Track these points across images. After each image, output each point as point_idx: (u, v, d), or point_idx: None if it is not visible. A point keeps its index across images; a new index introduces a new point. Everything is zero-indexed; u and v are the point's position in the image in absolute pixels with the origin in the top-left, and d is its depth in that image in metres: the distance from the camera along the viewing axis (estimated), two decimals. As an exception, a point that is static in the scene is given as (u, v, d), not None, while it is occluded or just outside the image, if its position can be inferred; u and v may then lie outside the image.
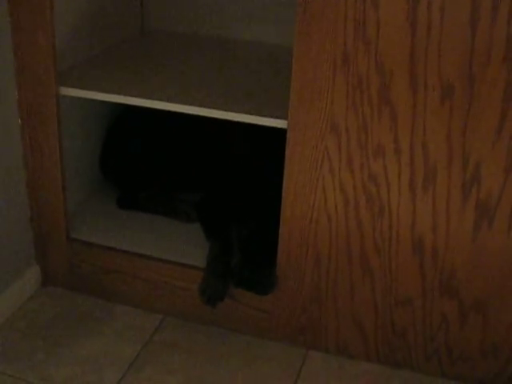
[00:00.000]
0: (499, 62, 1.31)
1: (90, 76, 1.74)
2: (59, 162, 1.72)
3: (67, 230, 1.83)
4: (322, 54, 1.40)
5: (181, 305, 1.80)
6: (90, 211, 1.99)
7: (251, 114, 1.55)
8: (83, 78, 1.72)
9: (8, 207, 1.72)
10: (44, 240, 1.85)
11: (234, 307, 1.75)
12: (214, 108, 1.58)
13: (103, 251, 1.82)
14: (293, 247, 1.62)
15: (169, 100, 1.61)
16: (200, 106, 1.59)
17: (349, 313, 1.66)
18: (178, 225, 1.95)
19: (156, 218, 1.97)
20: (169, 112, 1.62)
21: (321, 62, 1.40)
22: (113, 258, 1.81)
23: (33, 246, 1.85)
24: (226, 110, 1.57)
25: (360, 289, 1.62)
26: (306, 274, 1.64)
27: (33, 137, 1.71)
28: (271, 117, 1.53)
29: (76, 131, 1.89)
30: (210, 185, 2.01)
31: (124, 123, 2.04)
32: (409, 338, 1.64)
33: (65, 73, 1.72)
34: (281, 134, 1.53)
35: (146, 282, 1.80)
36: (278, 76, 1.78)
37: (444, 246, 1.51)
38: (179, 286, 1.77)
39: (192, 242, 1.86)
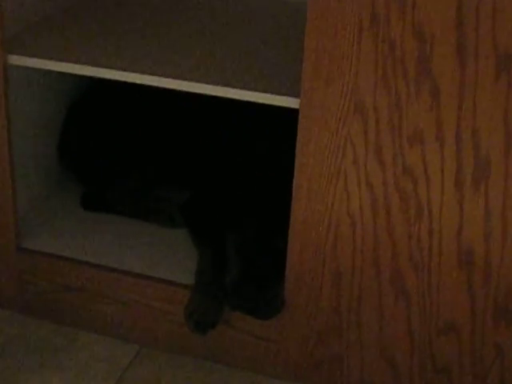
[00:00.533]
0: None
1: (44, 42, 1.73)
2: (7, 151, 1.72)
3: (17, 237, 1.83)
4: (344, 13, 1.39)
5: (161, 332, 1.80)
6: (47, 213, 1.99)
7: (251, 90, 1.55)
8: (36, 44, 1.72)
9: None
10: (-13, 250, 1.85)
11: (229, 335, 1.75)
12: (202, 82, 1.58)
13: (63, 264, 1.82)
14: (305, 260, 1.62)
15: (145, 72, 1.61)
16: (181, 78, 1.59)
17: (377, 344, 1.66)
18: (158, 230, 1.95)
19: (130, 221, 1.98)
20: (145, 87, 1.62)
21: (342, 23, 1.40)
22: (75, 273, 1.82)
23: (-29, 259, 1.85)
24: (216, 85, 1.57)
25: (391, 313, 1.62)
26: (323, 295, 1.64)
27: (-28, 118, 1.71)
28: (278, 94, 1.53)
29: (29, 111, 1.89)
30: (199, 179, 2.01)
31: (89, 101, 2.05)
32: (453, 377, 1.64)
33: (13, 38, 1.72)
34: (291, 115, 1.53)
35: (117, 303, 1.81)
36: (286, 41, 1.78)
37: (499, 257, 1.51)
38: (159, 308, 1.77)
39: (176, 252, 1.87)
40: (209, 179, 1.99)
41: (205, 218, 1.94)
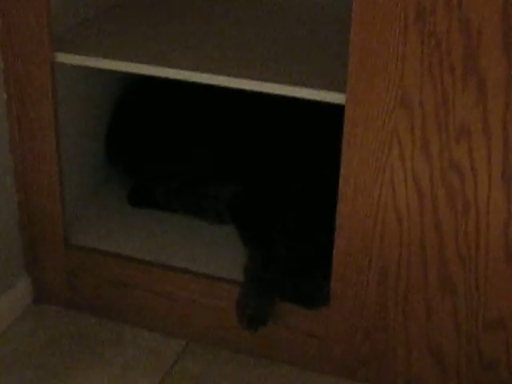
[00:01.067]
0: None
1: (92, 40, 1.75)
2: (55, 149, 1.73)
3: (65, 234, 1.84)
4: (389, 8, 1.39)
5: (208, 327, 1.81)
6: (94, 210, 2.01)
7: (297, 86, 1.55)
8: (84, 42, 1.73)
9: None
10: (36, 247, 1.87)
11: (275, 331, 1.75)
12: (246, 78, 1.58)
13: (110, 260, 1.84)
14: (352, 256, 1.62)
15: (192, 69, 1.61)
16: (228, 75, 1.59)
17: (424, 340, 1.65)
18: (205, 227, 1.95)
19: (177, 217, 1.98)
20: (191, 85, 1.63)
21: (389, 17, 1.40)
22: (122, 269, 1.83)
23: (22, 255, 1.87)
24: (262, 81, 1.57)
25: (438, 309, 1.61)
26: (369, 291, 1.64)
27: (22, 116, 1.73)
28: (324, 89, 1.53)
29: (76, 109, 1.90)
30: (245, 176, 2.01)
31: (135, 98, 2.06)
32: (502, 372, 1.63)
33: (61, 36, 1.73)
34: (336, 112, 1.53)
35: (164, 299, 1.82)
36: (331, 36, 1.78)
37: (547, 253, 1.50)
38: (205, 304, 1.78)
39: (222, 247, 1.88)
40: (255, 175, 1.98)
41: (253, 214, 1.93)
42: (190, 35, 1.79)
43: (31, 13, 1.61)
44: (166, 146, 1.99)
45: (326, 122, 1.60)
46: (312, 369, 1.76)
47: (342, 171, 1.55)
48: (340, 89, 1.50)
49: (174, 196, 2.00)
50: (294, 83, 1.55)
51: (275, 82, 1.56)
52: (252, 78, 1.58)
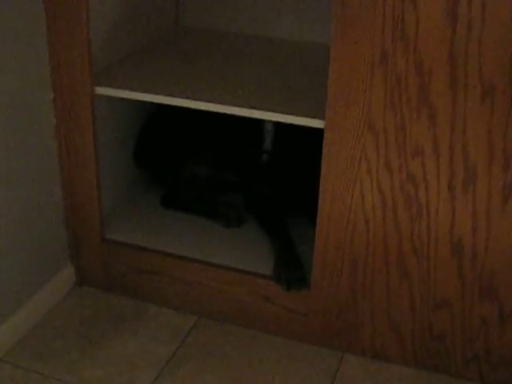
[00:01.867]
0: (543, 61, 1.29)
1: (125, 75, 1.74)
2: (94, 162, 1.73)
3: (102, 230, 1.84)
4: (360, 53, 1.39)
5: (215, 306, 1.80)
6: (125, 211, 2.00)
7: (288, 114, 1.55)
8: (118, 77, 1.73)
9: (42, 208, 1.74)
10: (78, 241, 1.86)
11: (269, 309, 1.75)
12: (251, 108, 1.58)
13: (138, 252, 1.83)
14: (329, 250, 1.61)
15: (205, 100, 1.61)
16: (238, 106, 1.59)
17: (385, 316, 1.65)
18: (214, 226, 1.94)
19: (191, 218, 1.96)
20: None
21: (358, 61, 1.40)
22: (147, 259, 1.82)
23: (67, 247, 1.87)
24: (263, 110, 1.57)
25: (397, 292, 1.61)
26: (343, 277, 1.63)
27: (67, 136, 1.72)
28: (308, 117, 1.53)
29: (111, 129, 1.90)
30: (252, 184, 2.01)
31: (160, 116, 2.03)
32: (447, 342, 1.63)
33: (100, 72, 1.72)
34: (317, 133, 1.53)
35: (180, 283, 1.81)
36: (313, 75, 1.77)
37: (484, 248, 1.49)
38: (214, 288, 1.78)
39: (231, 243, 1.87)
40: (260, 183, 1.98)
41: (266, 212, 1.96)
42: (204, 71, 1.79)
43: (76, 54, 1.61)
44: (184, 159, 1.98)
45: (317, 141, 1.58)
46: (297, 339, 1.75)
47: (321, 182, 1.54)
48: (320, 116, 1.50)
49: (197, 201, 2.00)
50: (288, 113, 1.55)
51: (274, 111, 1.56)
52: (254, 107, 1.57)
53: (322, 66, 1.44)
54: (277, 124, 1.85)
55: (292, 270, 1.72)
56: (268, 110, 1.56)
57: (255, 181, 2.00)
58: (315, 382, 1.63)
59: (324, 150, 1.51)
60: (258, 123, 1.87)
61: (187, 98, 1.62)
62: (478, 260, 1.51)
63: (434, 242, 1.52)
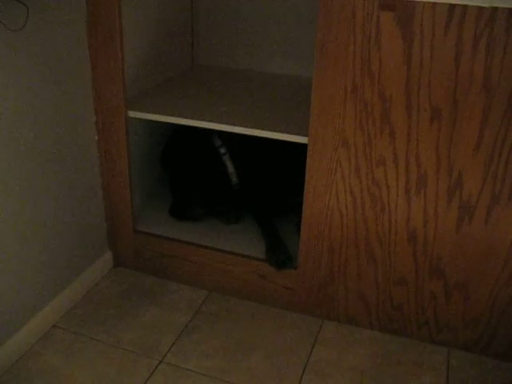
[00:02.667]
0: (478, 90, 1.29)
1: (151, 102, 1.74)
2: (127, 170, 1.73)
3: (133, 223, 1.84)
4: (336, 84, 1.39)
5: (222, 283, 1.80)
6: (151, 208, 1.98)
7: (280, 132, 1.55)
8: (146, 104, 1.73)
9: (88, 206, 1.74)
10: (115, 231, 1.86)
11: (264, 285, 1.74)
12: (251, 127, 1.58)
13: (161, 240, 1.82)
14: (311, 239, 1.61)
15: (215, 121, 1.61)
16: (240, 125, 1.59)
17: (356, 290, 1.65)
18: (220, 224, 1.93)
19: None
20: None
21: (334, 90, 1.40)
22: (169, 246, 1.81)
23: (107, 237, 1.86)
24: (259, 129, 1.57)
25: (365, 271, 1.61)
26: (322, 260, 1.63)
27: (106, 150, 1.72)
28: (295, 134, 1.53)
29: (141, 144, 1.90)
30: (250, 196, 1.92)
31: (181, 133, 1.96)
32: (404, 311, 1.62)
33: (132, 99, 1.73)
34: (301, 148, 1.52)
35: (195, 264, 1.80)
36: (300, 101, 1.77)
37: (433, 237, 1.50)
38: (221, 268, 1.77)
39: (231, 233, 1.86)
40: (255, 195, 1.92)
41: (262, 211, 1.92)
42: (213, 100, 1.79)
43: (113, 86, 1.62)
44: (193, 173, 1.89)
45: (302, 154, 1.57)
46: (286, 308, 1.75)
47: (306, 185, 1.55)
48: (304, 134, 1.50)
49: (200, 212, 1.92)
50: (279, 131, 1.55)
51: (269, 130, 1.56)
52: (254, 127, 1.58)
53: (306, 94, 1.44)
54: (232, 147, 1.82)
55: (278, 253, 1.71)
56: (264, 129, 1.56)
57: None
58: (301, 342, 1.63)
59: (308, 161, 1.51)
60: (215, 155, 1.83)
61: (199, 119, 1.62)
62: (428, 246, 1.51)
63: (394, 233, 1.52)
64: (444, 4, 1.24)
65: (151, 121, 1.70)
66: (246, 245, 1.79)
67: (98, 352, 1.57)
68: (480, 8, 1.21)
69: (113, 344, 1.59)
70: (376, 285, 1.61)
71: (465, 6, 1.22)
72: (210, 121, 1.61)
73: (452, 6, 1.23)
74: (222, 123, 1.60)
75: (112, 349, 1.58)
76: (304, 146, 1.51)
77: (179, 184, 1.91)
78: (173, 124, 1.68)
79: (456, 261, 1.50)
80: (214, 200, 1.88)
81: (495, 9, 1.21)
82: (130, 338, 1.62)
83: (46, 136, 1.51)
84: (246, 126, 1.58)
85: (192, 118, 1.62)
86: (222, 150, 1.84)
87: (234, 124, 1.59)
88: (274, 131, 1.55)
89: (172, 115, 1.64)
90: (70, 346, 1.58)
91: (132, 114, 1.67)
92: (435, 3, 1.24)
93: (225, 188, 1.86)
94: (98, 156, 1.73)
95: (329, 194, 1.53)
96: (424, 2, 1.25)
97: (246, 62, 2.12)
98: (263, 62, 2.10)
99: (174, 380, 1.50)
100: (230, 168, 1.85)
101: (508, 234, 1.43)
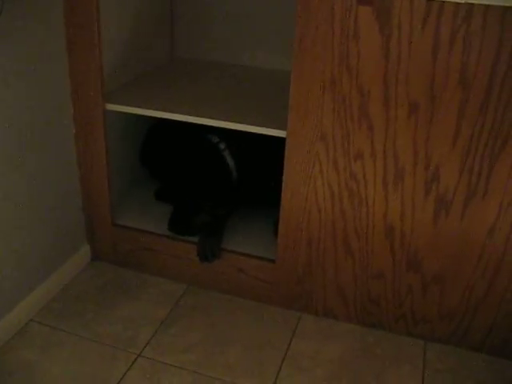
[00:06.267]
0: (455, 85, 1.30)
1: (130, 95, 1.73)
2: (105, 163, 1.72)
3: (112, 217, 1.82)
4: (314, 78, 1.39)
5: (201, 276, 1.79)
6: (130, 201, 1.97)
7: (257, 126, 1.55)
8: (124, 96, 1.71)
9: (65, 199, 1.73)
10: (93, 225, 1.85)
11: (243, 278, 1.74)
12: (229, 121, 1.57)
13: (140, 233, 1.81)
14: (290, 232, 1.61)
15: (192, 114, 1.60)
16: (218, 119, 1.58)
17: (334, 284, 1.65)
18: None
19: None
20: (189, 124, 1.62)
21: (313, 84, 1.40)
22: (147, 239, 1.81)
23: (84, 230, 1.85)
24: (238, 122, 1.56)
25: (343, 265, 1.61)
26: (301, 253, 1.63)
27: (84, 143, 1.71)
28: (274, 128, 1.52)
29: (119, 137, 1.88)
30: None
31: (160, 126, 1.97)
32: (381, 304, 1.63)
33: (110, 92, 1.71)
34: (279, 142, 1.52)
35: (173, 258, 1.80)
36: (279, 95, 1.75)
37: (410, 231, 1.50)
38: (199, 261, 1.76)
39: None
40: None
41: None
42: (193, 93, 1.78)
43: (91, 79, 1.60)
44: (171, 162, 1.86)
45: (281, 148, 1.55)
46: (265, 302, 1.75)
47: (284, 178, 1.54)
48: (283, 127, 1.49)
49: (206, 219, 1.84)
50: (257, 124, 1.55)
51: (246, 123, 1.56)
52: (232, 120, 1.57)
53: (286, 88, 1.44)
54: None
55: (210, 249, 1.72)
56: (242, 122, 1.56)
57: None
58: (280, 335, 1.63)
59: (286, 154, 1.51)
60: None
61: (178, 112, 1.61)
62: (405, 240, 1.52)
63: (371, 226, 1.53)
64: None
65: (130, 114, 1.68)
66: (224, 238, 1.78)
67: (74, 346, 1.56)
68: (457, 4, 1.22)
69: (90, 338, 1.59)
70: (354, 278, 1.62)
71: (442, 2, 1.23)
72: (188, 114, 1.60)
73: (429, 2, 1.24)
74: (200, 116, 1.59)
75: (89, 343, 1.57)
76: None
77: (176, 189, 1.83)
78: (152, 117, 1.67)
79: (433, 254, 1.51)
80: (217, 200, 1.81)
81: (471, 5, 1.21)
82: (107, 332, 1.61)
83: (22, 129, 1.49)
84: (224, 120, 1.57)
85: (170, 112, 1.61)
86: (222, 146, 1.79)
87: (211, 117, 1.58)
88: (253, 125, 1.55)
89: (150, 108, 1.63)
90: (47, 341, 1.57)
91: (110, 106, 1.66)
92: (413, -2, 1.25)
93: (226, 185, 1.80)
94: (75, 149, 1.71)
95: (307, 187, 1.53)
96: (402, -3, 1.25)
97: (225, 55, 2.11)
98: (243, 55, 2.08)
99: (151, 374, 1.49)
100: (231, 164, 1.79)
101: (483, 227, 1.44)
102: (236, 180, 1.81)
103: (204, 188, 1.78)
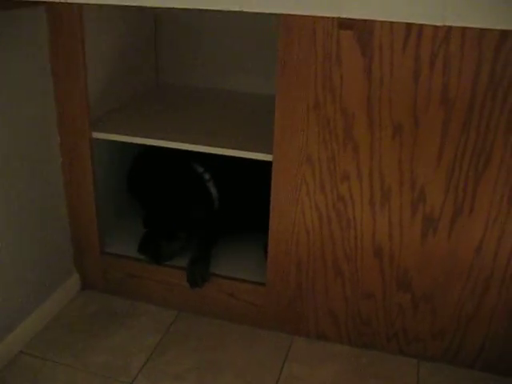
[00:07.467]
0: (437, 106, 1.32)
1: (116, 122, 1.74)
2: (92, 191, 1.72)
3: (101, 245, 1.82)
4: (298, 101, 1.40)
5: (191, 302, 1.79)
6: (119, 229, 1.97)
7: (244, 150, 1.55)
8: (111, 124, 1.72)
9: (53, 228, 1.72)
10: (82, 253, 1.84)
11: (233, 303, 1.74)
12: (215, 146, 1.58)
13: (129, 261, 1.81)
14: (279, 255, 1.61)
15: (178, 140, 1.61)
16: (204, 144, 1.59)
17: (325, 306, 1.65)
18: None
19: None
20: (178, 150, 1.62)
21: (297, 108, 1.41)
22: (137, 267, 1.81)
23: (73, 259, 1.85)
24: (224, 147, 1.57)
25: (333, 287, 1.61)
26: (290, 276, 1.64)
27: (71, 171, 1.71)
28: (260, 152, 1.53)
29: (106, 165, 1.88)
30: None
31: (147, 154, 1.97)
32: (373, 324, 1.64)
33: (96, 120, 1.72)
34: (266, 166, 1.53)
35: (163, 285, 1.80)
36: (265, 119, 1.77)
37: (398, 250, 1.51)
38: (188, 287, 1.76)
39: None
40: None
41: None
42: (178, 119, 1.78)
43: (76, 107, 1.61)
44: (161, 193, 1.84)
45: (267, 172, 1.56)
46: (256, 326, 1.75)
47: (271, 202, 1.55)
48: (269, 151, 1.50)
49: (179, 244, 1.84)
50: (243, 149, 1.56)
51: (232, 148, 1.57)
52: (218, 146, 1.58)
53: (271, 112, 1.45)
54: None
55: (199, 274, 1.72)
56: (228, 147, 1.57)
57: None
58: (271, 359, 1.63)
59: (273, 178, 1.51)
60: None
61: (164, 139, 1.61)
62: (394, 260, 1.52)
63: (360, 247, 1.53)
64: (401, 23, 1.26)
65: (117, 141, 1.69)
66: (213, 263, 1.78)
67: (65, 377, 1.55)
68: (435, 27, 1.24)
69: (82, 369, 1.57)
70: (344, 300, 1.62)
71: (421, 25, 1.25)
72: (174, 140, 1.61)
73: (408, 25, 1.26)
74: (186, 142, 1.60)
75: (81, 373, 1.56)
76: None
77: (155, 213, 1.83)
78: (139, 144, 1.68)
79: (422, 273, 1.52)
80: (196, 229, 1.82)
81: (449, 27, 1.23)
82: (98, 361, 1.60)
83: (7, 158, 1.49)
84: (210, 145, 1.58)
85: (156, 138, 1.62)
86: (206, 176, 1.80)
87: (197, 143, 1.59)
88: (239, 149, 1.55)
89: (136, 135, 1.64)
90: (37, 372, 1.56)
91: (96, 135, 1.66)
92: (392, 22, 1.27)
93: (207, 215, 1.81)
94: (62, 178, 1.71)
95: (294, 210, 1.53)
96: (381, 22, 1.27)
97: (210, 80, 2.13)
98: (228, 80, 2.11)
99: (144, 402, 1.49)
100: (214, 194, 1.81)
101: (471, 244, 1.45)
102: (218, 209, 1.82)
103: (184, 216, 1.79)
